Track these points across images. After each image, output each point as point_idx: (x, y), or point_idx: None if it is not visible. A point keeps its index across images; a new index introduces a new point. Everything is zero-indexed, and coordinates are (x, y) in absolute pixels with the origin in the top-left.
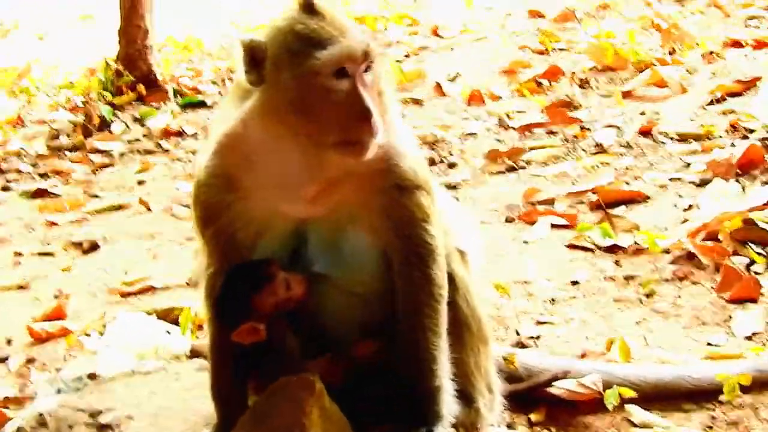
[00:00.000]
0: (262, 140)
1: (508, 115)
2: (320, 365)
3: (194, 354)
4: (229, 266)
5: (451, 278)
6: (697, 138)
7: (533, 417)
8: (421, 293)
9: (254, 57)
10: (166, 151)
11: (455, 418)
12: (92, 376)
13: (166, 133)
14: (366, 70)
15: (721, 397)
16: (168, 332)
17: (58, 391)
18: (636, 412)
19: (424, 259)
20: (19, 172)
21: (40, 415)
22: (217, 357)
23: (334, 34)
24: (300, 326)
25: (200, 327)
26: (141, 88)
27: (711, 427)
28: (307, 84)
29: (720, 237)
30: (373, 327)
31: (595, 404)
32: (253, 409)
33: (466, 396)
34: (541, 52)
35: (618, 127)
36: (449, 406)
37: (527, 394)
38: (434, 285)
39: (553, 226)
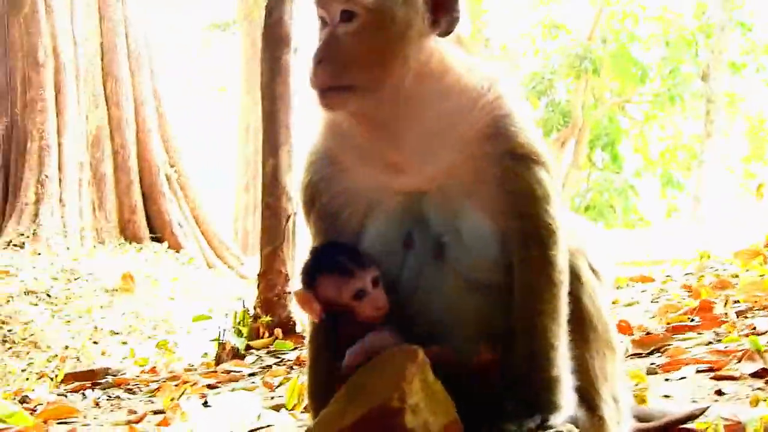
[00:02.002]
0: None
1: None
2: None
3: None
4: None
5: (576, 274)
6: None
7: None
8: (540, 276)
9: None
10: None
11: (576, 422)
12: None
13: (300, 362)
14: (345, 20)
15: None
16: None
17: None
18: None
19: (544, 240)
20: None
21: None
22: (314, 351)
23: None
24: (403, 319)
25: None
26: (278, 332)
27: None
28: None
29: None
30: (492, 323)
31: None
32: (351, 382)
33: (588, 402)
34: None
35: None
36: (568, 400)
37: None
38: (554, 268)
39: None
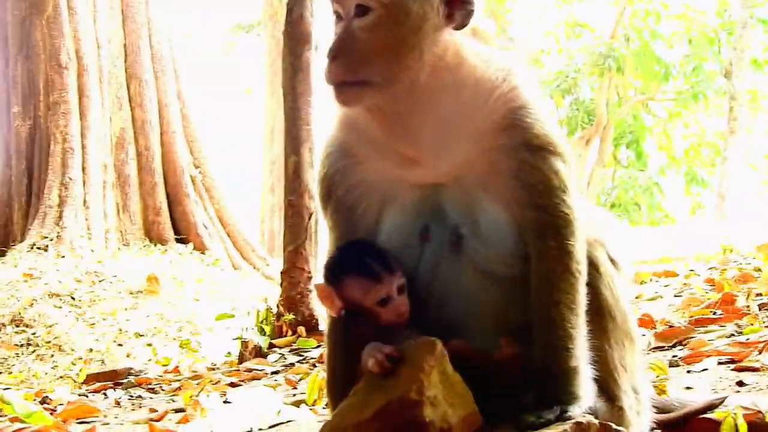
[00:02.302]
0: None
1: None
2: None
3: None
4: None
5: (594, 264)
6: None
7: None
8: (557, 266)
9: None
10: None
11: (596, 413)
12: None
13: (322, 359)
14: (360, 15)
15: None
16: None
17: None
18: None
19: (561, 230)
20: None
21: None
22: (332, 345)
23: None
24: (421, 312)
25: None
26: (301, 330)
27: None
28: None
29: None
30: (510, 315)
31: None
32: (370, 375)
33: (607, 392)
34: None
35: None
36: (587, 391)
37: (679, 424)
38: (571, 258)
39: None
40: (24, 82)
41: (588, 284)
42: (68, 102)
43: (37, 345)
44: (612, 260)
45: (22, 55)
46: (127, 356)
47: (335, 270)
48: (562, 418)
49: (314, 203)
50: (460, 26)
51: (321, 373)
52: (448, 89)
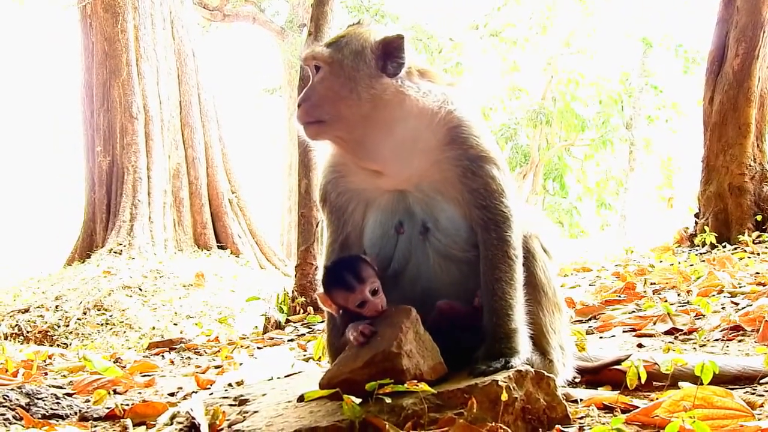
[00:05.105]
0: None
1: None
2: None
3: None
4: (344, 239)
5: (531, 252)
6: None
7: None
8: (498, 252)
9: None
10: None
11: (532, 364)
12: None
13: None
14: (317, 71)
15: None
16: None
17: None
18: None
19: (500, 225)
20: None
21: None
22: (329, 316)
23: None
24: (398, 287)
25: None
26: (310, 309)
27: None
28: None
29: None
30: (467, 288)
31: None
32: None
33: (541, 348)
34: None
35: None
36: (525, 347)
37: (595, 372)
38: (509, 246)
39: None
40: (105, 129)
41: (527, 267)
42: (138, 143)
43: (113, 324)
44: (545, 250)
45: (104, 108)
46: (180, 333)
47: (325, 283)
48: (506, 367)
49: (320, 214)
50: (393, 74)
51: (324, 337)
52: (397, 119)
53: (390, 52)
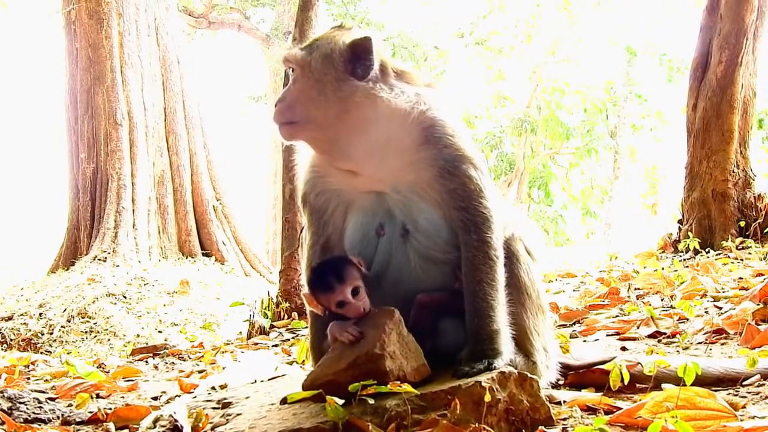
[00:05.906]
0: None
1: None
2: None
3: None
4: (325, 241)
5: (514, 254)
6: None
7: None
8: (479, 254)
9: None
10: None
11: (515, 365)
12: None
13: None
14: (292, 71)
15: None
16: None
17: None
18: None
19: (480, 226)
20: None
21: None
22: (312, 316)
23: None
24: (379, 289)
25: None
26: (294, 315)
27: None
28: None
29: None
30: (447, 289)
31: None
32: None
33: (524, 350)
34: None
35: None
36: (508, 348)
37: (578, 371)
38: (490, 247)
39: None
40: (89, 135)
41: (510, 269)
42: (122, 150)
43: (98, 332)
44: (528, 252)
45: (88, 114)
46: (165, 340)
47: (308, 284)
48: (489, 368)
49: (303, 220)
50: (362, 77)
51: (307, 340)
52: (368, 120)
53: (358, 55)
